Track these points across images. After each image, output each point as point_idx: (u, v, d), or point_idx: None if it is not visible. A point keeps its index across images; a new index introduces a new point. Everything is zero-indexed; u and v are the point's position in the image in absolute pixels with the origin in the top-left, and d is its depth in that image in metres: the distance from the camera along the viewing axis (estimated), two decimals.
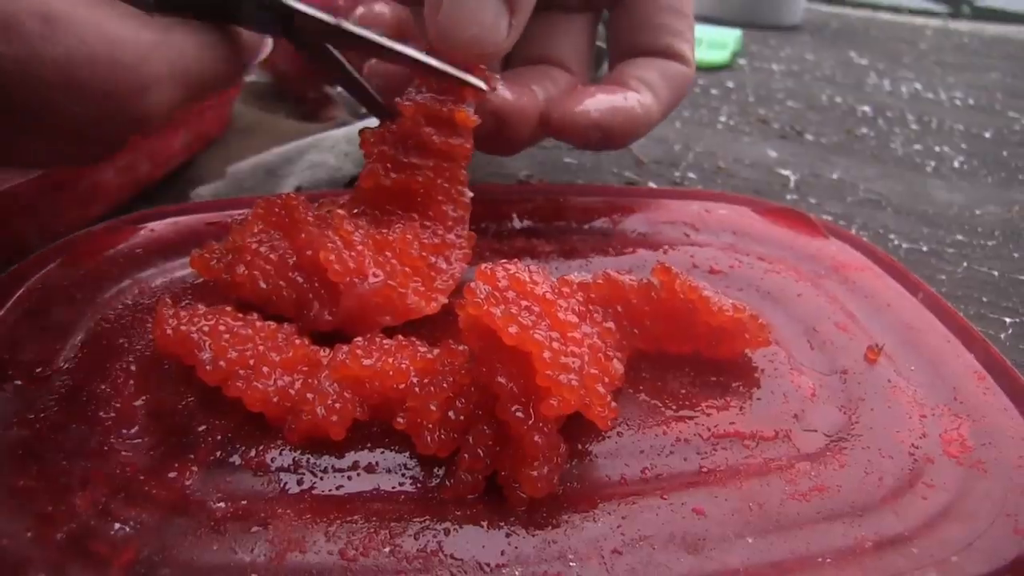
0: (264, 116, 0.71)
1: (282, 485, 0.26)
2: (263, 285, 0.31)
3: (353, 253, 0.31)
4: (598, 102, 0.39)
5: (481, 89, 0.35)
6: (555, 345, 0.25)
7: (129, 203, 0.51)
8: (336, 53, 0.34)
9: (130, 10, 0.29)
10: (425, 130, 0.34)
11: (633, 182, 0.60)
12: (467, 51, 0.34)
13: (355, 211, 0.35)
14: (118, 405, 0.28)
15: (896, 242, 0.54)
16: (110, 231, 0.37)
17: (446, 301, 0.33)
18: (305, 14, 0.32)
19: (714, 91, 0.85)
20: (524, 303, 0.26)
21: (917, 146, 0.74)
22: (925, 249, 0.53)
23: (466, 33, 0.34)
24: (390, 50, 0.33)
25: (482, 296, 0.26)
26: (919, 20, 1.40)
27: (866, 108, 0.83)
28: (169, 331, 0.28)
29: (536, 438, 0.25)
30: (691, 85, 0.46)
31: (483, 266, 0.27)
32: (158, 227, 0.37)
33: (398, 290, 0.32)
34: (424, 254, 0.33)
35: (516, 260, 0.28)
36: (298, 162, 0.56)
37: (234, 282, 0.32)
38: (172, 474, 0.26)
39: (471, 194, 0.36)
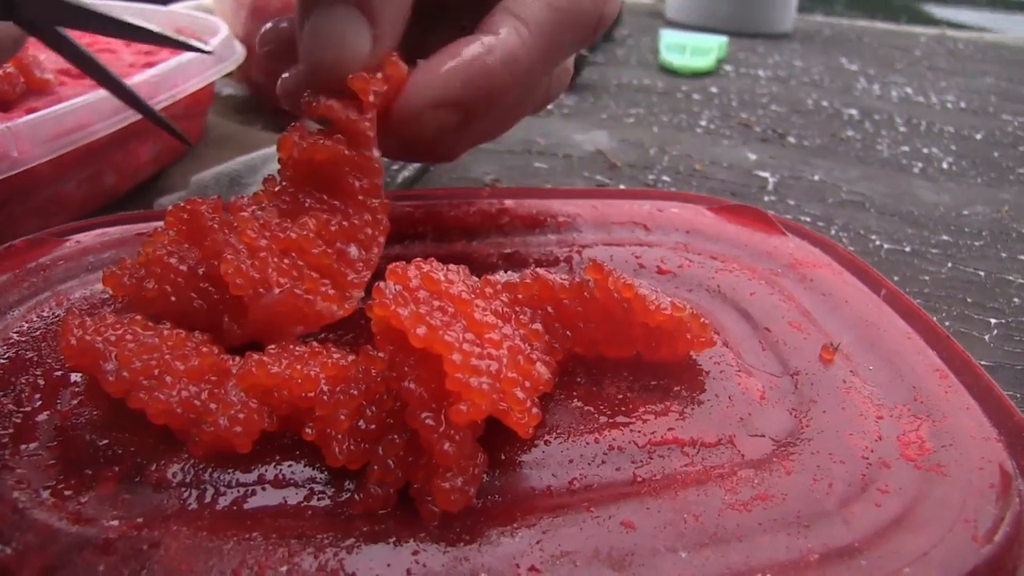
0: (239, 128, 0.70)
1: (182, 501, 0.24)
2: (173, 299, 0.30)
3: (256, 262, 0.30)
4: (450, 60, 0.32)
5: (205, 51, 0.34)
6: (467, 347, 0.24)
7: (95, 214, 0.50)
8: (73, 40, 0.33)
9: None
10: (328, 104, 0.32)
11: (604, 185, 0.58)
12: (334, 74, 0.32)
13: (275, 189, 0.33)
14: (18, 420, 0.27)
15: (877, 243, 0.52)
16: (33, 244, 0.35)
17: (362, 295, 0.31)
18: None
19: (696, 96, 0.83)
20: (437, 303, 0.25)
21: (904, 148, 0.72)
22: (908, 249, 0.52)
23: (328, 56, 0.32)
24: (123, 24, 0.32)
25: (391, 296, 0.24)
26: (916, 28, 1.38)
27: (853, 111, 0.82)
28: (74, 341, 0.27)
29: (447, 446, 0.23)
30: (596, 12, 0.36)
31: (395, 265, 0.25)
32: (84, 239, 0.36)
33: (305, 297, 0.30)
34: (332, 249, 0.32)
35: (433, 259, 0.27)
36: (261, 170, 0.55)
37: (146, 298, 0.30)
38: (68, 492, 0.24)
39: (379, 154, 0.33)
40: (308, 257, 0.31)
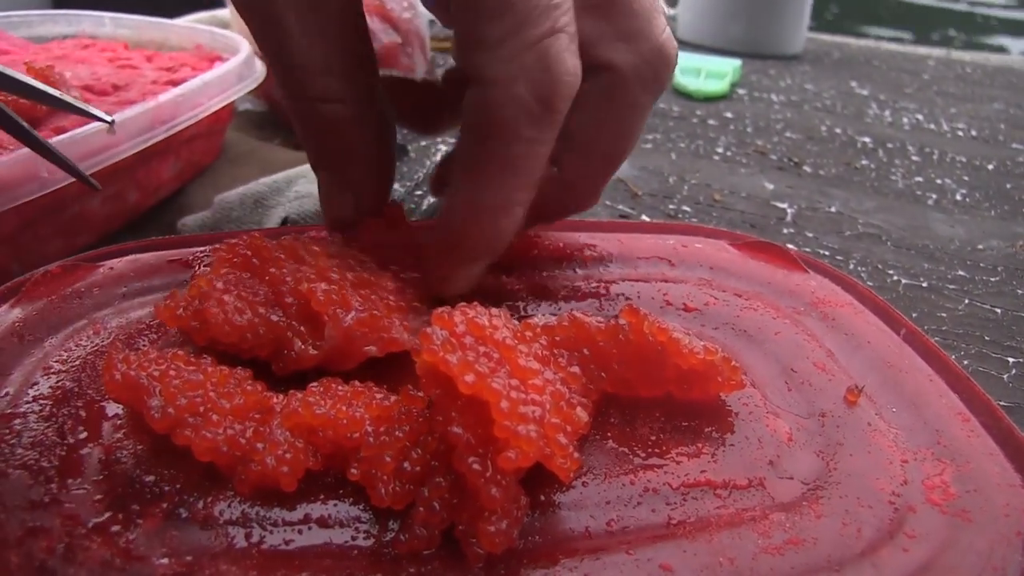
0: (258, 144, 0.71)
1: (230, 540, 0.25)
2: (239, 320, 0.30)
3: (334, 286, 0.31)
4: None
5: (105, 121, 0.38)
6: (514, 394, 0.24)
7: (118, 232, 0.50)
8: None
9: None
10: None
11: (627, 215, 0.59)
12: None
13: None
14: (64, 453, 0.27)
15: (895, 277, 0.53)
16: (67, 270, 0.36)
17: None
18: None
19: (712, 122, 0.84)
20: (483, 349, 0.25)
21: (918, 178, 0.72)
22: (925, 285, 0.52)
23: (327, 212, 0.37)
24: (28, 87, 0.34)
25: (438, 342, 0.25)
26: (922, 50, 1.39)
27: (866, 139, 0.82)
28: (118, 376, 0.27)
29: (493, 491, 0.24)
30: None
31: (440, 310, 0.26)
32: (117, 265, 0.37)
33: (383, 320, 0.31)
34: (404, 302, 0.33)
35: (476, 303, 0.27)
36: (286, 192, 0.55)
37: (206, 324, 0.30)
38: (116, 527, 0.25)
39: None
40: (383, 294, 0.32)
